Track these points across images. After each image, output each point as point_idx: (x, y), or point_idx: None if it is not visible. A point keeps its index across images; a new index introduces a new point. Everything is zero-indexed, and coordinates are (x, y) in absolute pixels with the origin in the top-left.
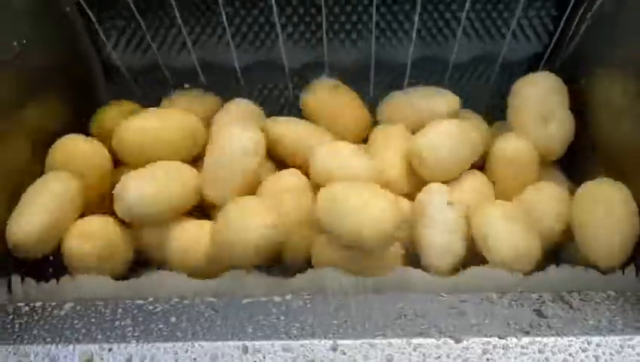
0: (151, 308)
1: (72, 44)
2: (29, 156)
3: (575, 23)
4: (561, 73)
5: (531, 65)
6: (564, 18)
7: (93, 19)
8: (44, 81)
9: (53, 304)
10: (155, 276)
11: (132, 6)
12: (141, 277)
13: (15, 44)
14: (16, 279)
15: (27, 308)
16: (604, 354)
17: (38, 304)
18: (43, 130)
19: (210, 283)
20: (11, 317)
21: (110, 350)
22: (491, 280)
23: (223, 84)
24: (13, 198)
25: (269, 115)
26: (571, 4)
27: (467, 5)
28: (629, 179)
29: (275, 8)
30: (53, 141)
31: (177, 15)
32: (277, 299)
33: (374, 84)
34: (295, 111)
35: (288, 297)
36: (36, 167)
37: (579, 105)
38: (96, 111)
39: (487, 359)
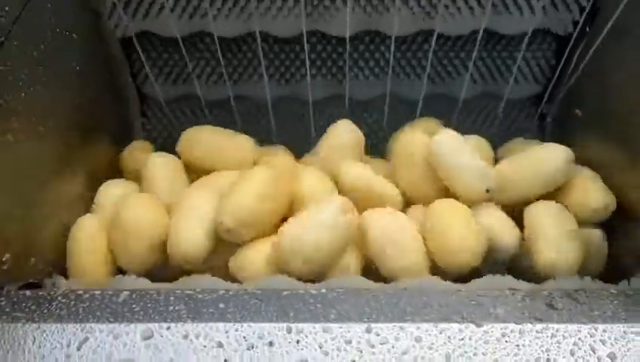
0: (200, 296)
1: (113, 76)
2: (73, 181)
3: (571, 66)
4: (559, 108)
5: (533, 102)
6: (562, 62)
7: (141, 55)
8: (88, 108)
9: (110, 292)
10: (194, 278)
11: (180, 42)
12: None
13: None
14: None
15: (87, 295)
16: (609, 338)
17: (97, 292)
18: (86, 156)
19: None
20: (74, 302)
21: (168, 328)
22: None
23: (253, 115)
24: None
25: (292, 141)
26: (567, 51)
27: (475, 51)
28: (625, 201)
29: (306, 47)
30: (94, 168)
31: (219, 50)
32: (313, 291)
33: (388, 116)
34: (315, 139)
35: (323, 290)
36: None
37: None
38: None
39: (506, 341)
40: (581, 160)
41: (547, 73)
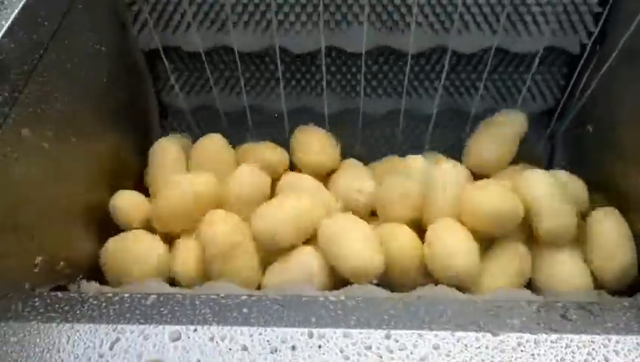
0: (224, 301)
1: (136, 86)
2: (98, 187)
3: (582, 85)
4: (570, 124)
5: (544, 119)
6: (572, 80)
7: (167, 68)
8: (114, 118)
9: (139, 295)
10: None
11: (203, 57)
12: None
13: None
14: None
15: (117, 298)
16: (622, 349)
17: (126, 294)
18: (110, 163)
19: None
20: (104, 303)
21: (195, 330)
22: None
23: (268, 125)
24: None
25: None
26: (577, 70)
27: (487, 68)
28: (632, 216)
29: (323, 62)
30: (117, 175)
31: (238, 64)
32: (332, 298)
33: (402, 130)
34: None
35: (342, 298)
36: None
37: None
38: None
39: (521, 350)
40: (591, 177)
41: (558, 91)
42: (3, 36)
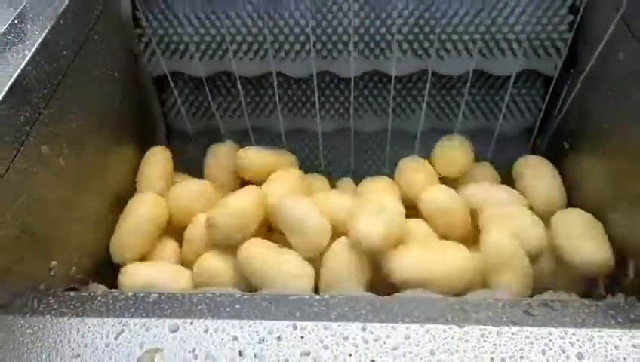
0: (219, 299)
1: (145, 110)
2: (107, 201)
3: (559, 103)
4: (549, 143)
5: (525, 137)
6: (546, 100)
7: (175, 92)
8: (124, 138)
9: (143, 294)
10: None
11: (205, 82)
12: None
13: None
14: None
15: (123, 296)
16: (577, 340)
17: (130, 293)
18: (118, 179)
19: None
20: (111, 301)
21: (191, 323)
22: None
23: (267, 144)
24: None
25: (303, 169)
26: (551, 90)
27: (467, 89)
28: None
29: (315, 86)
30: (124, 190)
31: (240, 89)
32: (317, 297)
33: (390, 147)
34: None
35: (326, 296)
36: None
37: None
38: None
39: (484, 341)
40: (570, 191)
41: (537, 110)
42: (26, 65)
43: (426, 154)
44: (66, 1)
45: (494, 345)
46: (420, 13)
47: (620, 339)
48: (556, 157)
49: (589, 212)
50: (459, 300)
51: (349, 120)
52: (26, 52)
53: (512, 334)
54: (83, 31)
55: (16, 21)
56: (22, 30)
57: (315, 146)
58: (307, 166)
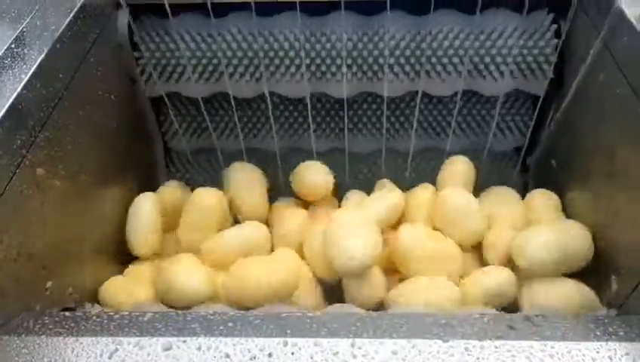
0: (212, 317)
1: (143, 131)
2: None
3: (548, 122)
4: (538, 161)
5: (516, 154)
6: (534, 120)
7: (171, 113)
8: (122, 158)
9: (137, 313)
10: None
11: (201, 103)
12: None
13: (115, 126)
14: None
15: (117, 315)
16: (557, 353)
17: (125, 313)
18: (117, 201)
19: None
20: (106, 320)
21: (185, 341)
22: None
23: (263, 164)
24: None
25: None
26: (537, 109)
27: (456, 108)
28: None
29: (309, 107)
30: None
31: (234, 109)
32: (309, 314)
33: (385, 165)
34: None
35: (318, 313)
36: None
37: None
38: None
39: (468, 354)
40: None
41: (525, 130)
42: (23, 88)
43: (419, 172)
44: (63, 25)
45: (477, 358)
46: (412, 36)
47: (597, 352)
48: (545, 175)
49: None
50: (446, 315)
51: (343, 140)
52: (23, 76)
53: (495, 347)
54: (80, 54)
55: (13, 45)
56: (18, 54)
57: None
58: None
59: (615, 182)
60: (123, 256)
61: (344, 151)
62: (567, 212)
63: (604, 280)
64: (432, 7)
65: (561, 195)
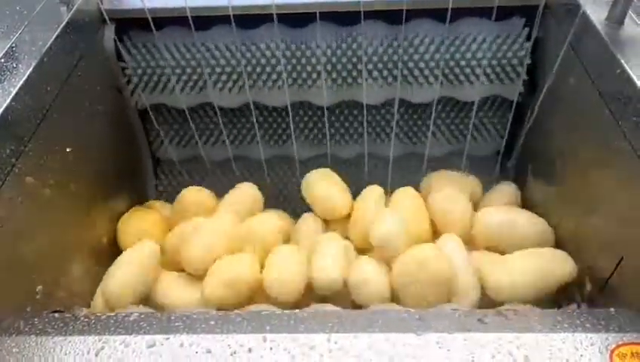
0: (195, 316)
1: (131, 141)
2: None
3: (525, 127)
4: (516, 164)
5: (495, 158)
6: (509, 123)
7: (155, 124)
8: (111, 168)
9: (124, 314)
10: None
11: (187, 113)
12: None
13: (103, 136)
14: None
15: (104, 316)
16: (523, 344)
17: (112, 314)
18: (106, 208)
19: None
20: (93, 320)
21: (167, 339)
22: None
23: (250, 171)
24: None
25: (282, 194)
26: (512, 114)
27: (434, 114)
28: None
29: (290, 115)
30: (112, 218)
31: (220, 119)
32: (287, 312)
33: (367, 172)
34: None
35: (296, 311)
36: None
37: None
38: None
39: (439, 347)
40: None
41: (503, 133)
42: (12, 100)
43: (401, 177)
44: (51, 40)
45: (448, 350)
46: (388, 42)
47: (564, 342)
48: (522, 177)
49: (548, 220)
50: (420, 311)
51: (326, 146)
52: (11, 89)
53: (464, 340)
54: (67, 67)
55: (2, 59)
56: (7, 68)
57: (294, 172)
58: (287, 193)
59: (584, 184)
60: (112, 262)
61: (327, 156)
62: (545, 215)
63: (579, 281)
64: (407, 16)
65: (532, 198)
